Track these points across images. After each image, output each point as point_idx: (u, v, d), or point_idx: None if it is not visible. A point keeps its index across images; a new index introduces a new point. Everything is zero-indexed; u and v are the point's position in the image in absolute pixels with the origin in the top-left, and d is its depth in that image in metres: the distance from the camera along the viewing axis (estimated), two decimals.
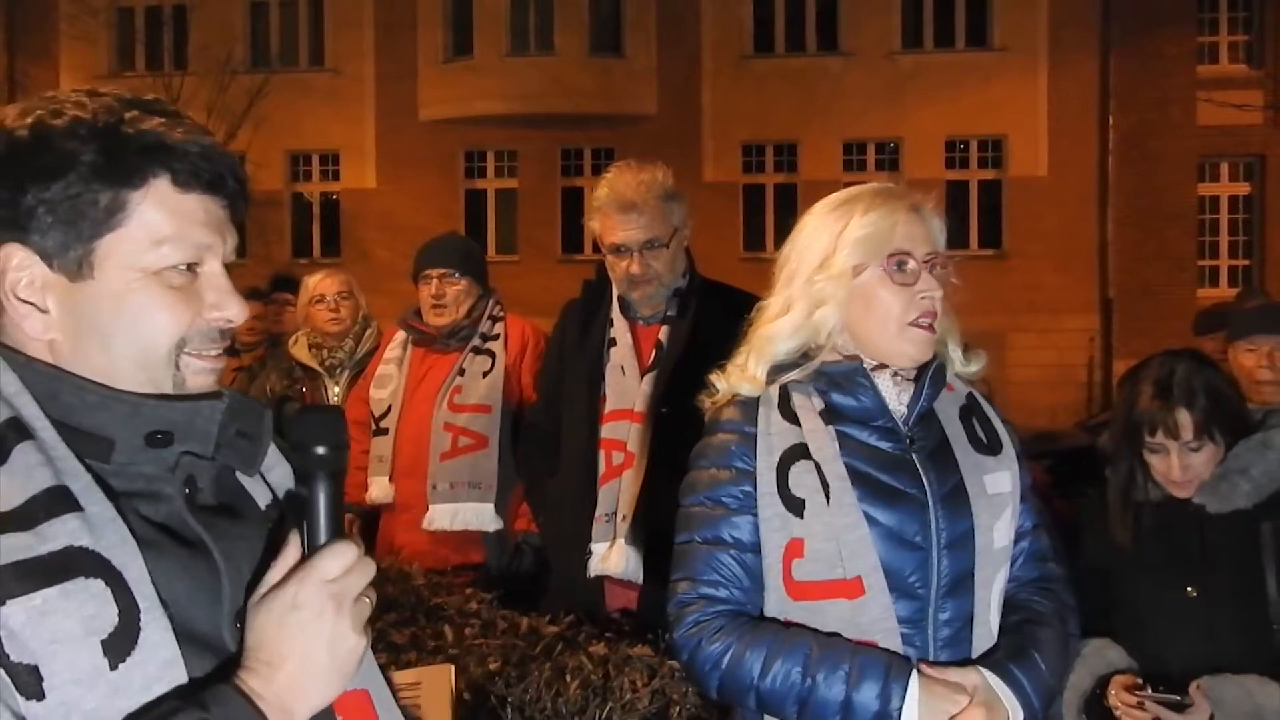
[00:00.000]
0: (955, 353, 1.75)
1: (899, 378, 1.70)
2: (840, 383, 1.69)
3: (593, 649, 2.23)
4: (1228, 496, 2.25)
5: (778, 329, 1.72)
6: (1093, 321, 15.70)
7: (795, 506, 1.62)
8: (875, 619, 1.58)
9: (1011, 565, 1.71)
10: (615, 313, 2.73)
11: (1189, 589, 2.25)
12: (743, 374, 1.73)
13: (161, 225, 1.00)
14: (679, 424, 2.42)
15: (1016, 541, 1.72)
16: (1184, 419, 2.24)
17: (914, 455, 1.67)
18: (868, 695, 1.52)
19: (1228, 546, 2.24)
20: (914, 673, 1.54)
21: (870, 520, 1.61)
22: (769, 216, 16.36)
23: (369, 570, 0.99)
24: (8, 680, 0.88)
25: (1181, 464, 2.25)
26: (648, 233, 2.64)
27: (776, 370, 1.72)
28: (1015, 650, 1.63)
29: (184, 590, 0.97)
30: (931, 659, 1.61)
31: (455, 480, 3.20)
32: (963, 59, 16.17)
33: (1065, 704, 2.30)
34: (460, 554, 3.16)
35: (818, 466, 1.62)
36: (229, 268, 1.07)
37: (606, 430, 2.65)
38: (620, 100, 16.25)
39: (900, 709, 1.52)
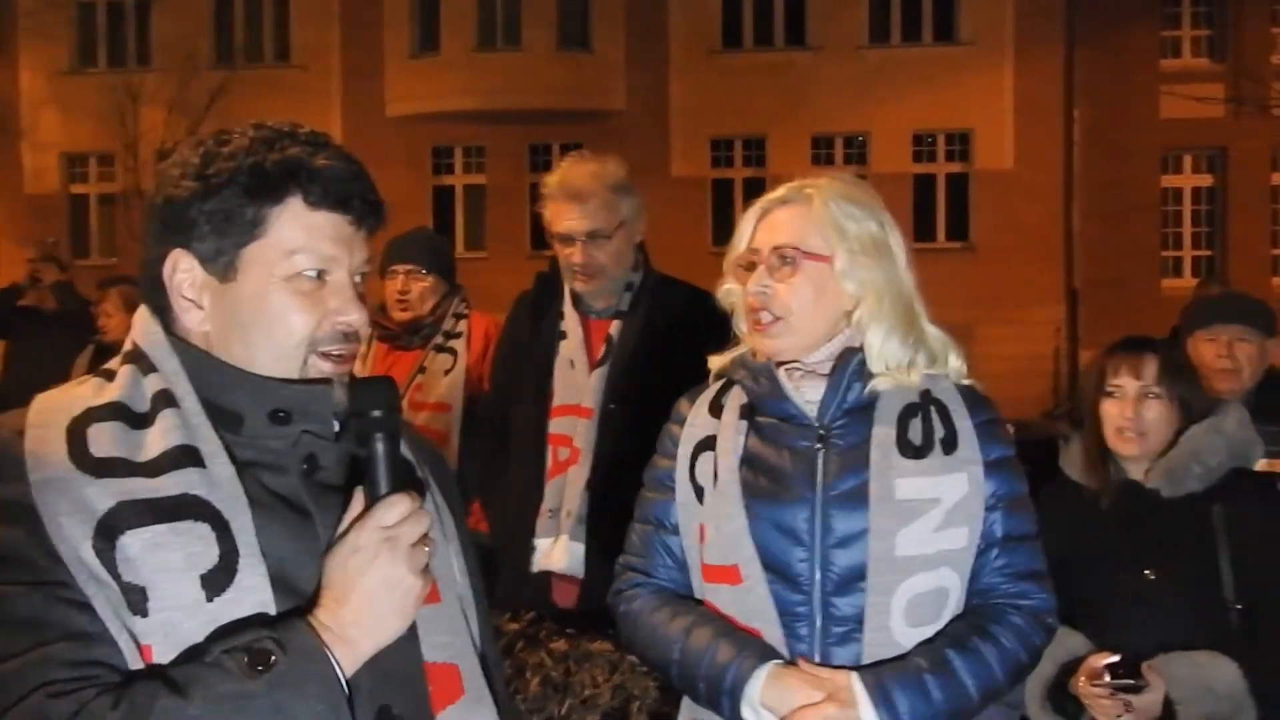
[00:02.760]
0: (877, 342, 1.69)
1: (802, 373, 1.71)
2: (756, 378, 1.73)
3: (554, 645, 2.24)
4: (1181, 481, 2.28)
5: (736, 320, 1.78)
6: (1059, 313, 15.85)
7: (698, 493, 1.70)
8: (755, 607, 1.64)
9: (978, 576, 1.67)
10: (567, 306, 2.73)
11: (1146, 573, 2.28)
12: (719, 364, 1.81)
13: (294, 238, 1.16)
14: (626, 420, 2.52)
15: (985, 551, 1.67)
16: (1149, 361, 2.30)
17: (819, 453, 1.67)
18: (727, 673, 1.60)
19: (1183, 530, 2.27)
20: (773, 661, 1.60)
21: (757, 513, 1.65)
22: (738, 211, 16.00)
23: (424, 520, 1.11)
24: (121, 597, 1.04)
25: (1135, 411, 2.28)
26: (592, 223, 2.63)
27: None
28: (906, 670, 1.59)
29: (289, 549, 1.11)
30: (819, 654, 1.63)
31: None
32: (930, 53, 16.27)
33: (1029, 693, 2.33)
34: None
35: (717, 458, 1.69)
36: (364, 277, 1.22)
37: (554, 425, 2.65)
38: (589, 95, 16.23)
39: (746, 688, 1.58)
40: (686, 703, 1.74)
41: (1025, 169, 15.94)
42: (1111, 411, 2.33)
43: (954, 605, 1.66)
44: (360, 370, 3.42)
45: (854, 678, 1.58)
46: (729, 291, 1.78)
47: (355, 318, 1.19)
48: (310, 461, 1.16)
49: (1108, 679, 2.14)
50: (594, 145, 15.37)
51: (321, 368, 1.17)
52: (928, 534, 1.63)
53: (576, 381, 2.64)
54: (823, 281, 1.69)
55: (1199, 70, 15.74)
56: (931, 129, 16.42)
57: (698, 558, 1.71)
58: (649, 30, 16.21)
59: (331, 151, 1.19)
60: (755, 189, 17.15)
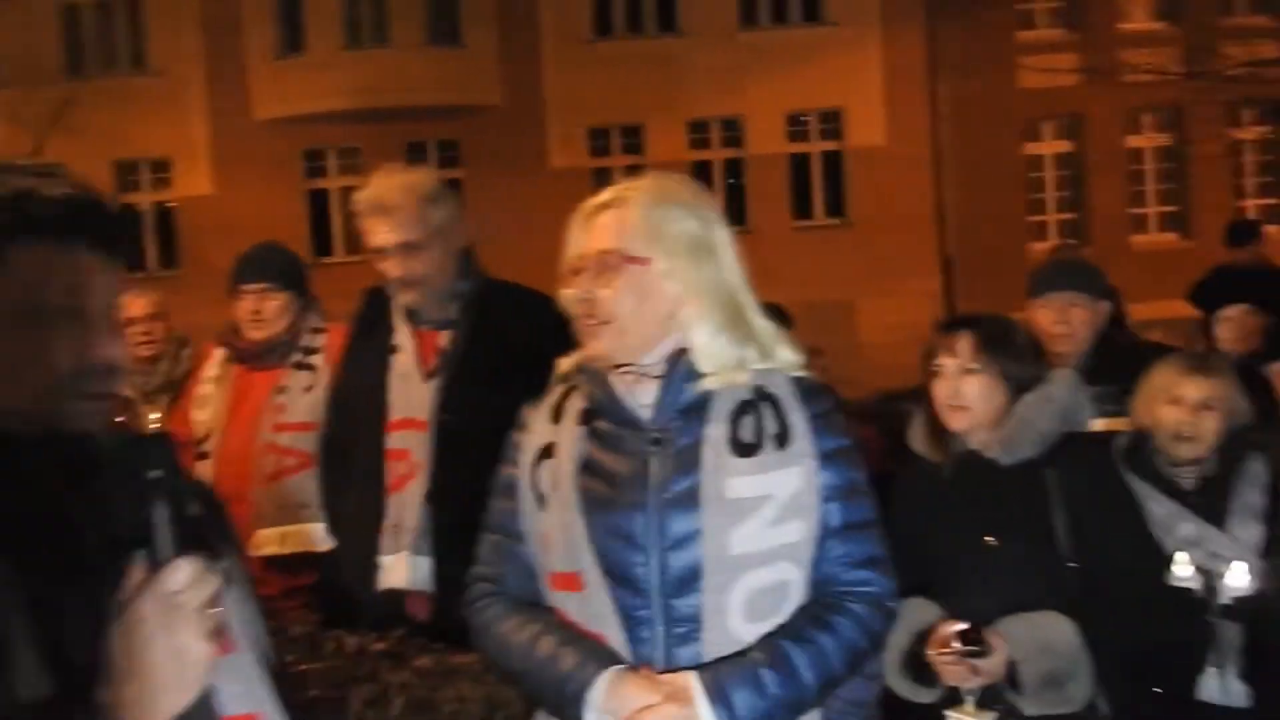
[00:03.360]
0: (705, 341, 1.70)
1: (636, 376, 1.72)
2: (594, 382, 1.74)
3: (419, 663, 2.22)
4: (1016, 448, 2.38)
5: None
6: (936, 282, 16.32)
7: (541, 501, 1.72)
8: (597, 613, 1.67)
9: (818, 567, 1.70)
10: (398, 319, 2.71)
11: (988, 539, 2.37)
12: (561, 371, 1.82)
13: (31, 273, 1.12)
14: (462, 430, 2.50)
15: (823, 542, 1.69)
16: (963, 339, 2.39)
17: (653, 456, 1.69)
18: (569, 681, 1.63)
19: (1020, 495, 2.37)
20: (611, 669, 1.62)
21: (595, 519, 1.67)
22: None
23: (211, 583, 1.07)
24: None
25: (955, 387, 2.37)
26: (403, 234, 2.63)
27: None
28: (742, 666, 1.62)
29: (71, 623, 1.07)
30: (663, 655, 1.66)
31: (283, 502, 3.12)
32: (799, 34, 16.54)
33: (888, 664, 2.41)
34: (292, 577, 3.09)
35: (556, 465, 1.71)
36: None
37: (392, 440, 2.63)
38: (463, 91, 16.03)
39: (588, 695, 1.61)
40: (540, 714, 1.75)
41: (896, 144, 16.34)
42: (938, 390, 2.42)
43: (795, 598, 1.68)
44: (217, 395, 3.35)
45: (692, 677, 1.60)
46: (567, 296, 1.78)
47: (113, 352, 1.16)
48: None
49: (955, 645, 2.23)
50: (471, 142, 15.27)
51: (82, 410, 1.14)
52: (762, 530, 1.65)
53: (411, 394, 2.62)
54: (645, 284, 1.69)
55: (1053, 40, 16.33)
56: (804, 109, 16.69)
57: (544, 565, 1.73)
58: (520, 22, 16.10)
59: (61, 181, 1.17)
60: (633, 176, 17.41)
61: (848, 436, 1.75)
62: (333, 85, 15.55)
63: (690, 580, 1.65)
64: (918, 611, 2.39)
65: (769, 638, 1.65)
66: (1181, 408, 2.65)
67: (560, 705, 1.64)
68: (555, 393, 1.79)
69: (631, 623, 1.66)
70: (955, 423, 2.42)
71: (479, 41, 16.18)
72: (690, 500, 1.65)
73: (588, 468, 1.70)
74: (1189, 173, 15.71)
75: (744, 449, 1.67)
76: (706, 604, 1.64)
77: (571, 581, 1.68)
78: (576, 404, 1.76)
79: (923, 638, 2.32)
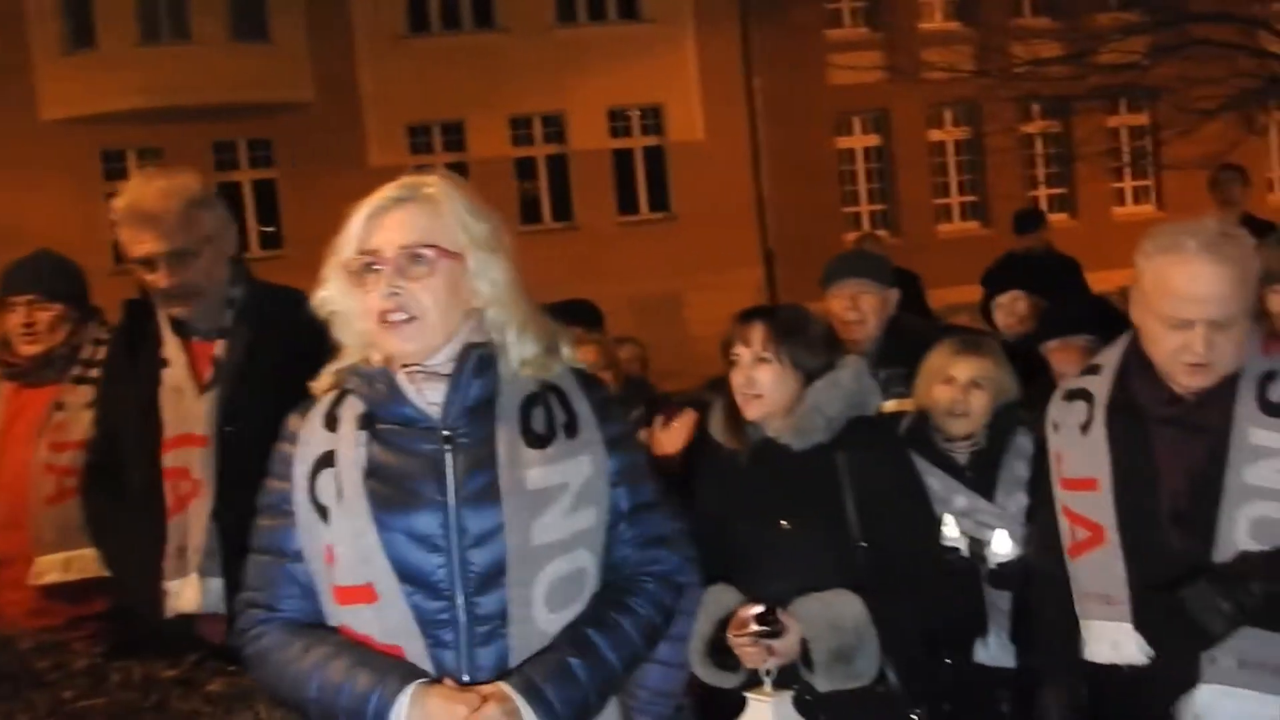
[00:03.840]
0: (514, 340, 1.72)
1: (424, 375, 1.69)
2: (372, 385, 1.70)
3: (211, 688, 2.13)
4: (807, 433, 2.46)
5: (341, 329, 1.72)
6: (759, 273, 16.78)
7: (322, 513, 1.66)
8: (395, 623, 1.63)
9: (610, 550, 1.74)
10: (166, 332, 2.57)
11: (783, 523, 2.45)
12: (325, 376, 1.75)
13: None
14: (245, 442, 2.36)
15: (614, 525, 1.74)
16: (756, 329, 2.46)
17: (447, 454, 1.67)
18: (369, 702, 1.58)
19: (811, 479, 2.45)
20: (413, 684, 1.59)
21: (387, 525, 1.64)
22: None
23: None
24: None
25: (748, 376, 2.44)
26: (172, 243, 2.49)
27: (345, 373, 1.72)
28: (550, 660, 1.64)
29: None
30: (466, 658, 1.65)
31: (65, 526, 2.93)
32: (617, 31, 16.69)
33: (692, 651, 2.45)
34: (77, 606, 2.91)
35: (339, 473, 1.65)
36: None
37: (169, 459, 2.51)
38: (272, 88, 15.44)
39: (390, 715, 1.57)
40: None
41: (715, 140, 16.69)
42: (734, 379, 2.49)
43: (591, 584, 1.72)
44: None
45: (502, 685, 1.60)
46: (328, 299, 1.72)
47: None
48: None
49: (752, 628, 2.29)
50: (283, 141, 14.69)
51: None
52: (561, 519, 1.67)
53: (186, 409, 2.50)
54: (455, 280, 1.68)
55: (859, 39, 17.02)
56: (625, 105, 16.86)
57: (328, 581, 1.67)
58: (330, 17, 15.62)
59: None
60: (457, 173, 17.29)
61: (626, 422, 1.81)
62: (128, 83, 14.70)
63: (494, 576, 1.64)
64: (719, 598, 2.44)
65: (571, 627, 1.67)
66: (953, 386, 2.81)
67: None
68: (325, 399, 1.74)
69: (431, 627, 1.63)
70: (750, 411, 2.48)
71: (287, 36, 15.62)
72: (489, 495, 1.65)
73: (375, 473, 1.66)
74: (986, 165, 16.63)
75: (537, 440, 1.69)
76: (512, 598, 1.64)
77: (362, 594, 1.64)
78: (353, 408, 1.70)
79: (725, 623, 2.37)
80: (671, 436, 2.79)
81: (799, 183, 16.54)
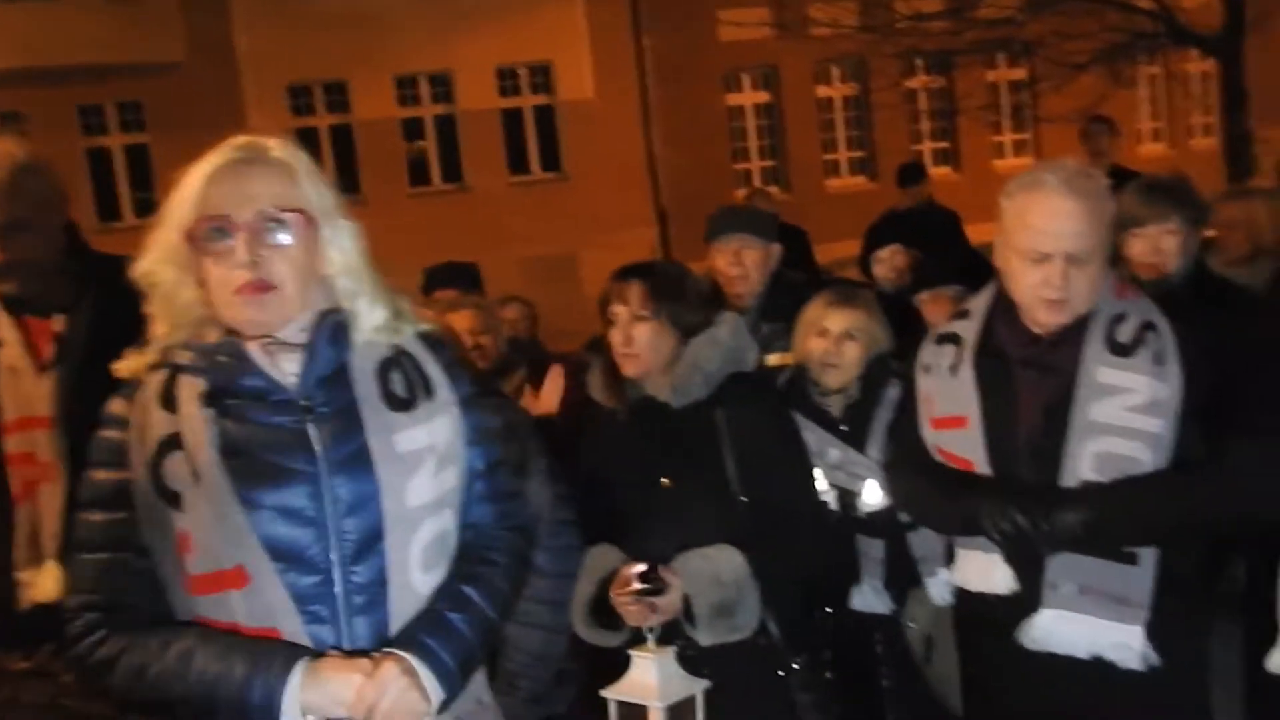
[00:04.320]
0: (365, 308, 1.69)
1: (276, 346, 1.64)
2: (219, 360, 1.62)
3: (67, 679, 2.04)
4: (687, 390, 2.46)
5: (163, 302, 1.63)
6: (653, 233, 16.76)
7: (173, 500, 1.57)
8: (270, 604, 1.57)
9: (469, 509, 1.74)
10: None
11: (664, 480, 2.45)
12: (139, 357, 1.64)
13: None
14: (97, 421, 2.30)
15: (471, 484, 1.74)
16: (634, 287, 2.44)
17: (309, 425, 1.62)
18: (252, 689, 1.52)
19: (692, 436, 2.46)
20: (300, 661, 1.54)
21: (254, 503, 1.58)
22: (327, 161, 15.73)
23: None
24: None
25: (626, 334, 2.42)
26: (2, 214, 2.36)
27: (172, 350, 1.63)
28: (431, 619, 1.65)
29: None
30: (346, 627, 1.61)
31: None
32: None
33: (575, 613, 2.45)
34: None
35: (190, 455, 1.57)
36: None
37: (12, 443, 2.38)
38: (141, 48, 14.70)
39: (281, 698, 1.51)
40: None
41: (605, 98, 16.54)
42: (612, 337, 2.47)
43: (453, 542, 1.72)
44: None
45: (397, 652, 1.57)
46: (152, 272, 1.62)
47: None
48: None
49: (635, 586, 2.29)
50: (155, 103, 14.00)
51: None
52: (429, 480, 1.66)
53: (26, 391, 2.37)
54: (311, 248, 1.63)
55: None
56: (514, 63, 16.56)
57: (180, 573, 1.59)
58: None
59: None
60: (342, 135, 16.54)
61: (475, 383, 1.80)
62: None
63: (370, 543, 1.62)
64: (601, 558, 2.44)
65: (444, 585, 1.68)
66: (827, 338, 2.84)
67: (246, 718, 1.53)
68: (154, 379, 1.64)
69: (306, 603, 1.59)
70: (629, 369, 2.47)
71: None
72: (361, 461, 1.62)
73: (231, 451, 1.59)
74: (873, 120, 16.88)
75: (400, 403, 1.67)
76: (391, 563, 1.62)
77: (230, 579, 1.57)
78: (191, 387, 1.62)
79: (607, 583, 2.37)
80: (545, 397, 2.76)
81: (690, 140, 16.53)
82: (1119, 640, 2.12)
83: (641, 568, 2.30)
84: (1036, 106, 14.04)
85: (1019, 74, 16.03)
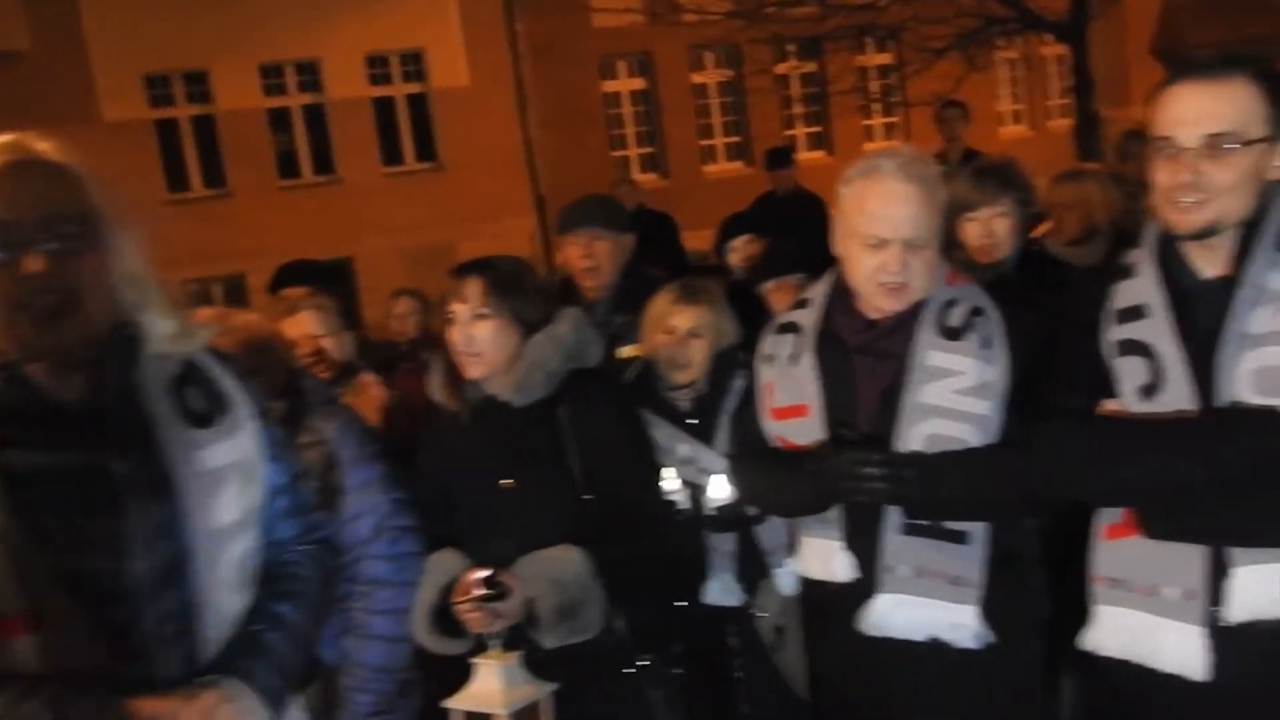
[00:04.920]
0: (153, 320, 1.61)
1: (58, 367, 1.54)
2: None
3: None
4: (528, 389, 2.41)
5: None
6: (531, 221, 16.62)
7: None
8: (69, 645, 1.48)
9: (273, 524, 1.69)
10: None
11: (505, 481, 2.40)
12: None
13: None
14: None
15: (272, 499, 1.69)
16: (472, 284, 2.37)
17: (103, 449, 1.53)
18: None
19: (535, 435, 2.41)
20: (114, 703, 1.46)
21: (49, 534, 1.48)
22: (190, 152, 15.22)
23: None
24: None
25: (467, 334, 2.36)
26: None
27: None
28: (247, 642, 1.61)
29: None
30: (156, 658, 1.54)
31: None
32: None
33: (416, 622, 2.38)
34: None
35: None
36: None
37: None
38: None
39: None
40: None
41: (479, 85, 16.30)
42: (452, 337, 2.40)
43: (259, 559, 1.67)
44: None
45: (214, 679, 1.52)
46: None
47: None
48: None
49: (476, 593, 2.24)
50: None
51: None
52: (235, 499, 1.61)
53: None
54: (105, 257, 1.53)
55: None
56: (384, 50, 16.17)
57: None
58: None
59: None
60: (205, 127, 15.94)
61: (265, 396, 1.76)
62: None
63: (178, 567, 1.54)
64: (442, 564, 2.38)
65: (254, 605, 1.63)
66: (673, 336, 2.83)
67: None
68: None
69: (112, 637, 1.50)
70: (471, 370, 2.41)
71: None
72: (162, 482, 1.54)
73: (17, 481, 1.48)
74: (747, 105, 17.04)
75: (199, 419, 1.60)
76: (200, 586, 1.56)
77: (22, 625, 1.46)
78: None
79: (449, 590, 2.31)
80: (362, 407, 2.68)
81: (567, 128, 16.43)
82: (954, 620, 2.17)
83: (483, 573, 2.25)
84: (903, 90, 14.39)
85: (886, 59, 16.39)
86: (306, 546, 1.73)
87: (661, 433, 2.79)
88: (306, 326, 2.92)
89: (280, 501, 1.70)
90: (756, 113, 16.92)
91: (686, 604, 2.75)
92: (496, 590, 2.23)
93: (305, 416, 2.44)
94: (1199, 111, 1.77)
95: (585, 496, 2.41)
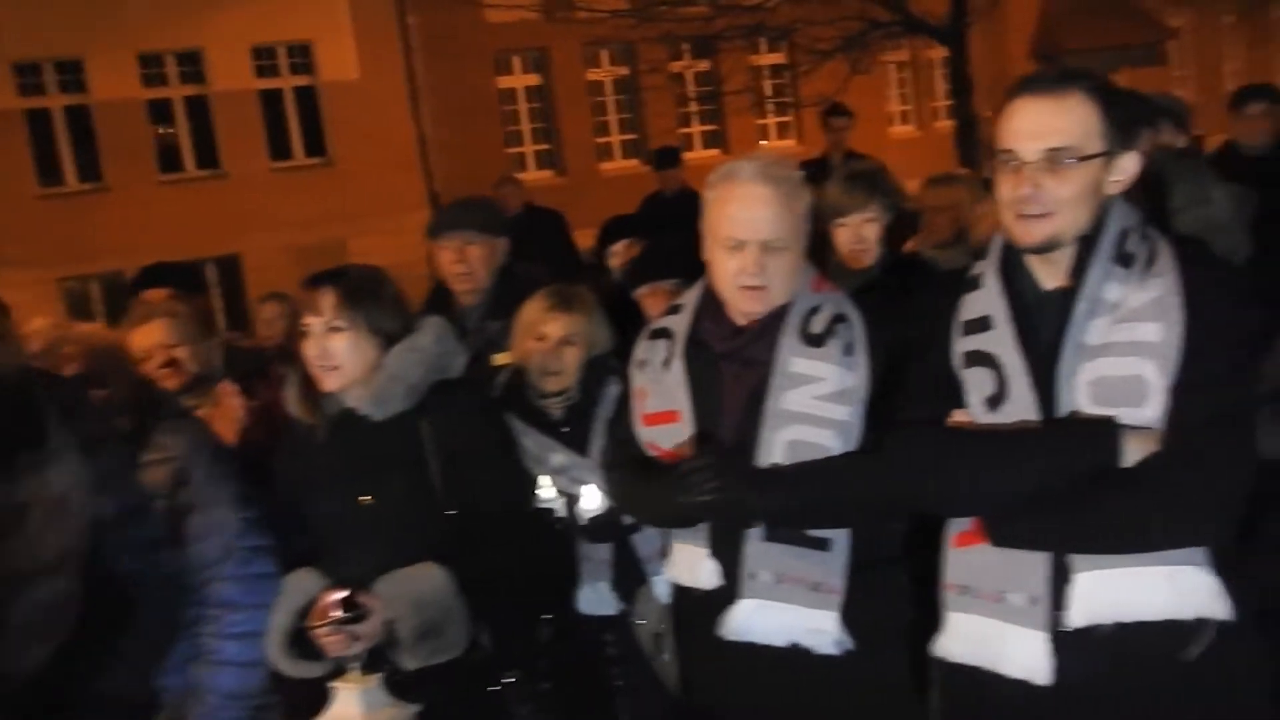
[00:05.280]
0: None
1: None
2: None
3: None
4: (387, 401, 2.34)
5: None
6: (424, 217, 16.26)
7: None
8: None
9: (115, 559, 1.62)
10: None
11: (363, 499, 2.33)
12: None
13: None
14: None
15: (103, 536, 1.61)
16: (326, 296, 2.30)
17: None
18: None
19: (395, 449, 2.34)
20: None
21: None
22: (64, 144, 14.59)
23: None
24: None
25: (322, 346, 2.29)
26: None
27: None
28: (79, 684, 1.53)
29: None
30: None
31: None
32: None
33: (270, 645, 2.30)
34: None
35: None
36: None
37: None
38: None
39: None
40: None
41: (371, 79, 15.98)
42: (306, 350, 2.33)
43: (77, 608, 1.57)
44: None
45: None
46: None
47: None
48: None
49: (334, 615, 2.17)
50: None
51: None
52: (31, 543, 1.51)
53: None
54: None
55: None
56: (271, 41, 15.73)
57: None
58: None
59: None
60: (79, 118, 15.34)
61: (103, 420, 1.65)
62: None
63: None
64: (299, 585, 2.31)
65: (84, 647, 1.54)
66: (545, 344, 2.79)
67: None
68: None
69: None
70: (328, 383, 2.34)
71: None
72: None
73: None
74: (643, 103, 17.05)
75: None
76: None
77: None
78: None
79: (305, 612, 2.24)
80: (221, 424, 2.58)
81: (461, 123, 16.23)
82: (814, 625, 2.17)
83: (341, 594, 2.19)
84: (795, 91, 14.56)
85: (778, 59, 16.58)
86: (146, 585, 1.64)
87: (534, 442, 2.75)
88: (157, 336, 2.79)
89: (113, 539, 1.61)
90: (652, 110, 16.94)
91: (553, 616, 2.71)
92: (355, 612, 2.17)
93: (153, 432, 2.32)
94: (1039, 126, 1.80)
95: (448, 511, 2.36)
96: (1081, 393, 1.78)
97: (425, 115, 16.36)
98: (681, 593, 2.35)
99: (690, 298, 2.36)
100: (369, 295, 2.37)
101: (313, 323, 2.32)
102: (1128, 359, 1.76)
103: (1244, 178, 3.79)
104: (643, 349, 2.37)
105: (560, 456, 2.73)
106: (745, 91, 13.05)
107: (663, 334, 2.34)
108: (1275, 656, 1.85)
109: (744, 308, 2.22)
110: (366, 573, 2.26)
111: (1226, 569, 1.77)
